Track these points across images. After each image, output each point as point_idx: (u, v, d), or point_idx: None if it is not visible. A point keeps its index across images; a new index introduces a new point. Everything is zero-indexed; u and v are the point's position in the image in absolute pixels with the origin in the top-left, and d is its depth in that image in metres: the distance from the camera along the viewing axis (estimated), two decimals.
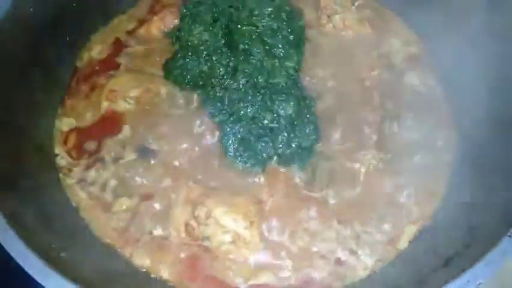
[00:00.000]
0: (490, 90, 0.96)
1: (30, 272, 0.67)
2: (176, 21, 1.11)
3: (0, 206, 0.72)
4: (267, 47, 0.97)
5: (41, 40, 0.99)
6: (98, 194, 0.94)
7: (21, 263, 0.67)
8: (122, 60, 1.09)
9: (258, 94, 0.95)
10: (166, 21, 1.12)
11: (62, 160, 0.97)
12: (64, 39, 1.06)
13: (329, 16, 1.15)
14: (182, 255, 0.88)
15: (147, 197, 0.93)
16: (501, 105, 0.93)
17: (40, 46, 0.99)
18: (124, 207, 0.92)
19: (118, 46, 1.12)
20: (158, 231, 0.90)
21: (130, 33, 1.14)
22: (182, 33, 1.07)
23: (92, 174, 0.95)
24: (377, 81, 1.08)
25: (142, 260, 0.88)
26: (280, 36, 0.98)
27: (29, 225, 0.75)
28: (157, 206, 0.92)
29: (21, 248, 0.69)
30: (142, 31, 1.13)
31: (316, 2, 1.17)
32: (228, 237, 0.87)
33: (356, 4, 1.19)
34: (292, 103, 0.95)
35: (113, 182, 0.94)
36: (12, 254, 0.68)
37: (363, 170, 0.95)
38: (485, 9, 0.97)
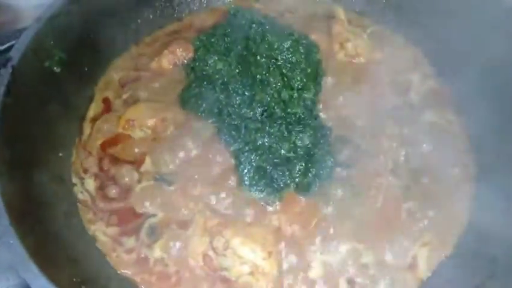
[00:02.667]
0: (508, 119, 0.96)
1: None
2: (185, 54, 1.14)
3: (24, 241, 0.72)
4: (285, 79, 0.98)
5: (60, 72, 1.01)
6: None
7: None
8: (137, 91, 1.11)
9: (275, 124, 0.96)
10: (177, 53, 1.15)
11: (80, 190, 0.98)
12: (82, 70, 1.08)
13: (341, 44, 1.16)
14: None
15: None
16: None
17: (58, 78, 1.01)
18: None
19: (131, 78, 1.14)
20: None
21: (142, 66, 1.16)
22: (197, 64, 1.09)
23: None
24: (391, 109, 1.08)
25: None
26: (298, 70, 1.00)
27: (50, 258, 0.75)
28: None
29: (43, 282, 0.69)
30: (154, 64, 1.16)
31: (329, 30, 1.20)
32: (246, 268, 0.86)
33: (367, 31, 1.21)
34: (309, 133, 0.96)
35: None
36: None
37: (380, 196, 0.95)
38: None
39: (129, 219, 0.94)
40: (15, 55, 0.93)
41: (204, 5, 1.29)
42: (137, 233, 0.93)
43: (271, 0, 1.29)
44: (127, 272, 0.89)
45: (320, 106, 1.06)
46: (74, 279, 0.76)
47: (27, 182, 0.87)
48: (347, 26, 1.19)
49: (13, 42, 0.98)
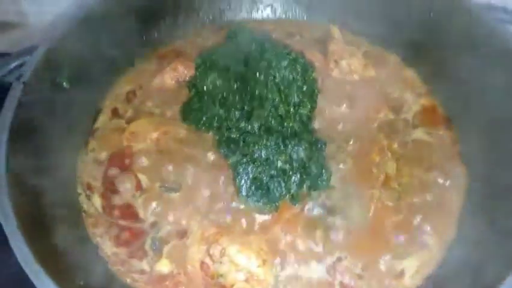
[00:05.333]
0: (499, 131, 1.01)
1: None
2: (187, 71, 1.19)
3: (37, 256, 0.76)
4: (282, 95, 1.04)
5: (69, 87, 1.07)
6: None
7: None
8: (141, 105, 1.17)
9: (272, 138, 1.00)
10: (179, 70, 1.20)
11: (85, 201, 1.02)
12: (89, 86, 1.14)
13: (336, 61, 1.22)
14: None
15: None
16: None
17: (67, 93, 1.07)
18: None
19: (136, 94, 1.20)
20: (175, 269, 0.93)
21: (146, 82, 1.22)
22: (198, 80, 1.15)
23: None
24: (383, 123, 1.13)
25: None
26: (295, 87, 1.05)
27: (57, 264, 0.80)
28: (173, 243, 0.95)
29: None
30: (157, 80, 1.21)
31: (325, 48, 1.25)
32: (241, 276, 0.90)
33: (362, 50, 1.26)
34: (304, 147, 1.00)
35: None
36: None
37: (371, 207, 0.99)
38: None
39: (134, 235, 0.97)
40: (27, 70, 0.99)
41: (207, 25, 1.35)
42: (143, 249, 0.96)
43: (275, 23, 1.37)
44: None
45: (315, 121, 1.11)
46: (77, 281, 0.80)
47: (35, 190, 0.91)
48: (342, 44, 1.25)
49: (26, 58, 1.04)
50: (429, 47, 1.20)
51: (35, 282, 0.73)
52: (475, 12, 1.08)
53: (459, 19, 1.11)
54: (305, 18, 1.37)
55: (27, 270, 0.75)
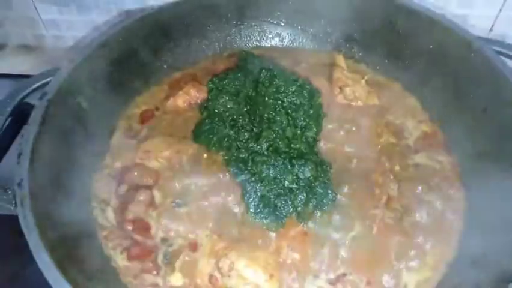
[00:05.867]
0: (499, 159, 1.05)
1: None
2: (199, 95, 1.26)
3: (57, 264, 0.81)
4: (290, 119, 1.10)
5: (87, 107, 1.13)
6: None
7: None
8: (155, 126, 1.23)
9: (280, 158, 1.06)
10: (191, 94, 1.27)
11: (99, 214, 1.07)
12: (106, 106, 1.20)
13: (340, 88, 1.28)
14: None
15: None
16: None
17: (85, 112, 1.13)
18: None
19: (150, 114, 1.26)
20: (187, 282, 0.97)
21: (160, 105, 1.29)
22: (210, 103, 1.21)
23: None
24: (385, 147, 1.18)
25: None
26: (302, 111, 1.11)
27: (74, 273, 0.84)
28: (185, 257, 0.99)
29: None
30: (170, 103, 1.28)
31: (330, 75, 1.32)
32: None
33: (365, 78, 1.32)
34: (310, 167, 1.05)
35: None
36: None
37: (374, 226, 1.03)
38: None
39: (146, 249, 1.01)
40: (50, 90, 1.05)
41: (218, 52, 1.43)
42: (156, 264, 0.99)
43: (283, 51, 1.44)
44: None
45: (321, 143, 1.16)
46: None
47: (54, 203, 0.96)
48: (346, 72, 1.31)
49: (48, 79, 1.11)
50: (430, 76, 1.26)
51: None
52: (475, 44, 1.14)
53: (458, 50, 1.17)
54: (311, 46, 1.44)
55: (48, 277, 0.78)
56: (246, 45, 1.44)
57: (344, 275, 0.96)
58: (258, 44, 1.45)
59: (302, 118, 1.11)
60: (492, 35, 1.35)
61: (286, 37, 1.45)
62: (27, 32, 1.73)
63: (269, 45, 1.45)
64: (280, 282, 0.95)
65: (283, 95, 1.11)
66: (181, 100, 1.27)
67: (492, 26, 1.37)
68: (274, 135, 1.09)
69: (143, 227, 1.03)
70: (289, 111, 1.11)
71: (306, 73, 1.28)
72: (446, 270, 0.99)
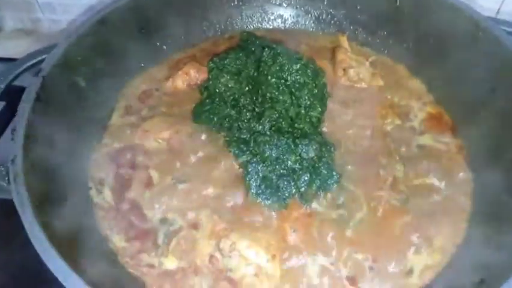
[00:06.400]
0: (505, 138, 1.03)
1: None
2: (198, 75, 1.23)
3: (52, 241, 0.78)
4: (293, 98, 1.07)
5: (84, 85, 1.10)
6: None
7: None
8: (154, 106, 1.20)
9: (282, 138, 1.02)
10: (191, 74, 1.24)
11: (96, 194, 1.04)
12: (105, 85, 1.17)
13: (344, 69, 1.25)
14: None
15: None
16: None
17: (83, 91, 1.10)
18: None
19: (150, 94, 1.23)
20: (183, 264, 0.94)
21: (159, 85, 1.25)
22: (210, 82, 1.18)
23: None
24: (390, 129, 1.15)
25: None
26: (306, 90, 1.08)
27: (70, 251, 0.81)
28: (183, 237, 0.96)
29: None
30: (169, 84, 1.25)
31: (333, 57, 1.29)
32: (251, 270, 0.90)
33: (369, 60, 1.30)
34: (314, 147, 1.02)
35: None
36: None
37: (380, 208, 1.00)
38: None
39: (144, 230, 0.98)
40: (45, 67, 1.02)
41: (219, 33, 1.39)
42: (156, 244, 0.96)
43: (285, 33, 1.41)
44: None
45: (325, 125, 1.13)
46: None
47: (49, 181, 0.93)
48: (350, 54, 1.28)
49: (44, 56, 1.07)
50: (436, 57, 1.23)
51: (49, 265, 0.74)
52: (483, 24, 1.11)
53: (466, 30, 1.14)
54: (314, 28, 1.41)
55: (42, 255, 0.75)
56: (247, 26, 1.41)
57: (349, 255, 0.93)
58: (259, 25, 1.42)
59: (306, 97, 1.08)
60: (499, 17, 1.32)
61: (289, 19, 1.42)
62: (23, 16, 1.70)
63: (271, 27, 1.42)
64: (283, 263, 0.92)
65: (286, 73, 1.08)
66: (180, 81, 1.23)
67: (499, 8, 1.34)
68: (277, 114, 1.06)
69: (139, 208, 1.00)
70: (292, 90, 1.08)
71: (308, 55, 1.24)
72: (454, 252, 0.96)
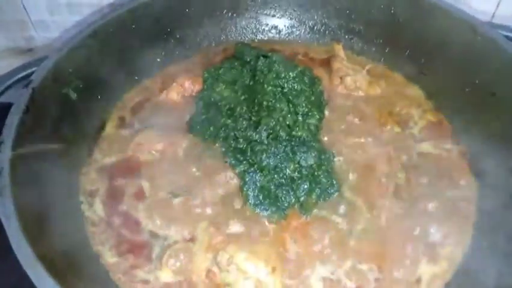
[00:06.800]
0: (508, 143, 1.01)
1: None
2: (193, 87, 1.20)
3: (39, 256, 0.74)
4: (291, 105, 1.04)
5: (75, 98, 1.07)
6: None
7: None
8: (148, 118, 1.17)
9: (280, 146, 0.99)
10: (185, 86, 1.21)
11: (87, 208, 1.00)
12: (96, 98, 1.15)
13: (341, 78, 1.23)
14: None
15: None
16: None
17: (74, 103, 1.07)
18: None
19: (143, 106, 1.21)
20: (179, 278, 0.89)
21: (153, 97, 1.23)
22: (205, 92, 1.15)
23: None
24: (390, 136, 1.12)
25: None
26: (303, 97, 1.06)
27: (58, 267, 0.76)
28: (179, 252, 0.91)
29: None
30: (163, 96, 1.22)
31: (329, 67, 1.27)
32: (250, 284, 0.86)
33: (366, 68, 1.28)
34: (313, 154, 0.99)
35: None
36: None
37: (382, 216, 0.96)
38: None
39: (136, 245, 0.94)
40: (35, 78, 0.99)
41: (213, 45, 1.38)
42: (150, 259, 0.92)
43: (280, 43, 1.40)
44: None
45: (323, 133, 1.10)
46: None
47: (37, 194, 0.89)
48: (346, 63, 1.26)
49: (34, 68, 1.05)
50: (433, 64, 1.22)
51: (34, 280, 0.69)
52: (480, 29, 1.10)
53: (463, 36, 1.13)
54: (309, 38, 1.39)
55: (28, 271, 0.71)
56: (242, 38, 1.39)
57: (353, 266, 0.89)
58: (254, 36, 1.40)
59: (304, 104, 1.06)
60: (494, 21, 1.31)
61: (283, 29, 1.40)
62: (16, 35, 1.69)
63: (266, 38, 1.41)
64: (283, 276, 0.88)
65: (283, 80, 1.06)
66: (174, 92, 1.21)
67: (494, 12, 1.33)
68: (274, 122, 1.02)
69: (132, 222, 0.96)
70: (290, 97, 1.05)
71: (304, 65, 1.23)
72: (462, 260, 0.92)
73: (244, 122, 1.06)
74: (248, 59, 1.19)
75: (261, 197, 0.97)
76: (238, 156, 1.02)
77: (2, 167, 0.84)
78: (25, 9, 1.56)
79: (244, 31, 1.40)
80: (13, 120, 0.91)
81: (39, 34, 1.65)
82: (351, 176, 1.03)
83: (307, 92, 1.07)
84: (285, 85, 1.06)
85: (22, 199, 0.82)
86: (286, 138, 1.02)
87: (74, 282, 0.77)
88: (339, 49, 1.30)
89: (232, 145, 1.04)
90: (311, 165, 0.99)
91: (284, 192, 0.97)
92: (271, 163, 0.99)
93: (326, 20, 1.37)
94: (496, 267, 0.85)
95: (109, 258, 0.92)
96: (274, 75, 1.06)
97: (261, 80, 1.08)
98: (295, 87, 1.06)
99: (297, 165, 0.99)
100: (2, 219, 0.77)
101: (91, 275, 0.87)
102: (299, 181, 0.98)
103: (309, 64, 1.29)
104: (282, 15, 1.39)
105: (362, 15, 1.32)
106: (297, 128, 1.03)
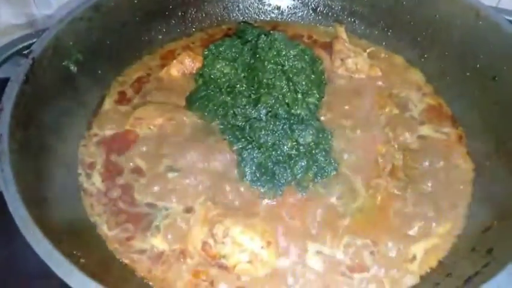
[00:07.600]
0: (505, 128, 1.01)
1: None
2: (193, 64, 1.21)
3: (35, 219, 0.74)
4: (290, 83, 1.04)
5: (76, 71, 1.07)
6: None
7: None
8: (147, 94, 1.17)
9: (279, 123, 0.99)
10: (186, 63, 1.21)
11: (85, 180, 1.00)
12: (96, 72, 1.15)
13: (342, 60, 1.23)
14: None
15: None
16: None
17: (74, 76, 1.07)
18: None
19: (143, 82, 1.21)
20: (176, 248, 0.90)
21: (153, 74, 1.23)
22: (205, 69, 1.15)
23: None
24: (389, 118, 1.12)
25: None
26: (304, 75, 1.06)
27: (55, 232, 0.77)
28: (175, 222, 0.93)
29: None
30: (163, 72, 1.23)
31: (330, 49, 1.27)
32: (245, 256, 0.86)
33: (367, 51, 1.27)
34: (311, 132, 0.99)
35: None
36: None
37: (378, 195, 0.97)
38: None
39: (134, 216, 0.95)
40: (36, 49, 0.99)
41: (215, 24, 1.37)
42: (149, 229, 0.93)
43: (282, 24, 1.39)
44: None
45: (322, 113, 1.10)
46: (74, 252, 0.77)
47: (36, 162, 0.89)
48: (348, 45, 1.26)
49: (34, 40, 1.05)
50: (435, 48, 1.22)
51: (35, 247, 0.70)
52: (483, 12, 1.10)
53: (466, 19, 1.13)
54: (311, 20, 1.39)
55: (25, 234, 0.71)
56: (244, 17, 1.39)
57: (348, 243, 0.90)
58: (256, 17, 1.40)
59: (304, 83, 1.05)
60: (501, 5, 1.31)
61: (286, 10, 1.40)
62: (18, 11, 1.68)
63: (268, 19, 1.40)
64: (278, 250, 0.88)
65: (284, 58, 1.06)
66: (175, 69, 1.21)
67: None
68: (273, 100, 1.03)
69: (129, 194, 0.97)
70: (290, 75, 1.05)
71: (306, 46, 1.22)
72: (456, 238, 0.93)
73: (243, 100, 1.06)
74: (250, 38, 1.19)
75: (258, 174, 0.97)
76: (237, 133, 1.03)
77: (0, 133, 0.84)
78: None
79: (246, 11, 1.39)
80: (13, 88, 0.91)
81: (41, 11, 1.64)
82: (348, 156, 1.04)
83: (308, 70, 1.07)
84: (286, 63, 1.06)
85: (20, 165, 0.83)
86: (285, 116, 1.02)
87: (70, 249, 0.77)
88: (341, 31, 1.29)
89: (231, 122, 1.05)
90: (309, 143, 0.99)
91: (281, 169, 0.97)
92: (270, 140, 0.99)
93: (328, 1, 1.36)
94: (488, 246, 0.85)
95: (106, 229, 0.93)
96: (275, 53, 1.06)
97: (262, 58, 1.07)
98: (296, 65, 1.06)
99: (294, 143, 0.99)
100: (0, 185, 0.77)
101: (88, 244, 0.88)
102: (296, 158, 0.98)
103: (311, 45, 1.29)
104: None
105: None
106: (296, 106, 1.03)
